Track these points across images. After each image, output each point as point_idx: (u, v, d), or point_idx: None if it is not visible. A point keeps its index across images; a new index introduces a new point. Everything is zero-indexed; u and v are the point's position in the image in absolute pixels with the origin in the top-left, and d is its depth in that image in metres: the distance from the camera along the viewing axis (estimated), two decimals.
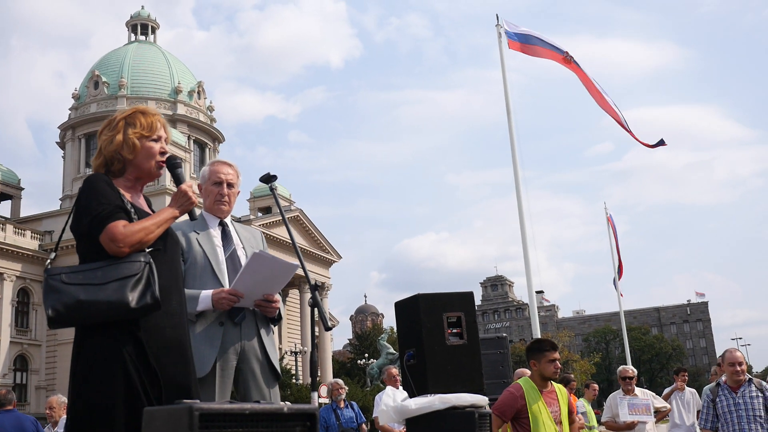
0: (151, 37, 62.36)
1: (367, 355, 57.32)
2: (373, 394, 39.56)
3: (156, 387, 2.79)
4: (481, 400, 4.41)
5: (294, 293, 56.80)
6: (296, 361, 50.40)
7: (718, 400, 6.61)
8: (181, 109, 58.17)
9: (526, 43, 18.22)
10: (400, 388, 8.30)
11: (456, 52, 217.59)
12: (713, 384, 6.90)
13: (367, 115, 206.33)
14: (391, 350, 48.06)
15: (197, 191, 3.37)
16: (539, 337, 17.60)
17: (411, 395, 4.93)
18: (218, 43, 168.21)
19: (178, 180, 3.12)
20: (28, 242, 48.15)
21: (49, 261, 2.92)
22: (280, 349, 53.72)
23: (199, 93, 60.42)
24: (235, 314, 3.93)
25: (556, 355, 5.57)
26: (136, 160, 3.06)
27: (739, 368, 6.60)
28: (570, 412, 5.60)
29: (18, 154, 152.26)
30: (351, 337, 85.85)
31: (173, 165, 3.14)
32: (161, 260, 2.93)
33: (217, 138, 60.69)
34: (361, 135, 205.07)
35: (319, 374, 55.22)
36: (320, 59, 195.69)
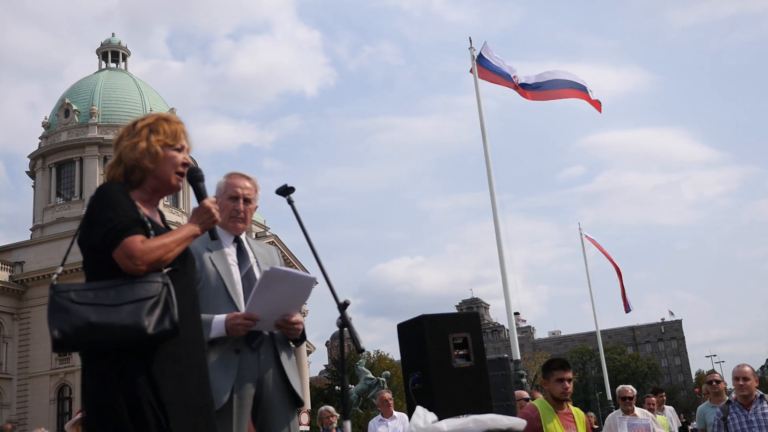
0: (122, 65, 61.87)
1: None
2: (352, 420, 39.06)
3: (171, 420, 2.52)
4: (518, 423, 4.20)
5: None
6: None
7: (729, 418, 6.48)
8: None
9: (495, 73, 18.38)
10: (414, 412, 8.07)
11: (428, 78, 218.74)
12: (724, 402, 6.77)
13: (342, 142, 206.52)
14: (370, 375, 47.54)
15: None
16: (518, 358, 17.52)
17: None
18: (193, 73, 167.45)
19: (200, 195, 2.87)
20: None
21: (55, 276, 2.62)
22: None
23: None
24: (252, 339, 3.64)
25: (566, 374, 5.39)
26: (158, 171, 2.79)
27: (743, 383, 6.49)
28: None
29: None
30: (327, 362, 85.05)
31: (195, 178, 2.89)
32: (179, 282, 2.67)
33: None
34: (335, 162, 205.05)
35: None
36: (295, 88, 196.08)
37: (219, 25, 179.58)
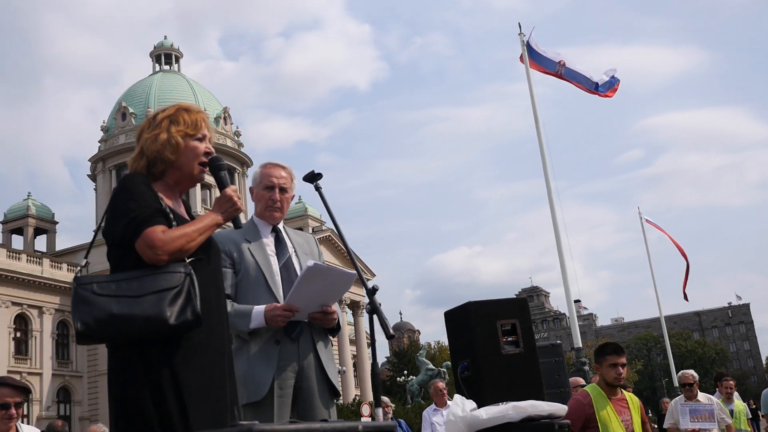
0: (175, 67, 62.88)
1: (406, 372, 56.72)
2: (415, 412, 39.07)
3: (195, 411, 2.50)
4: (559, 409, 4.06)
5: None
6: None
7: None
8: None
9: (541, 64, 18.19)
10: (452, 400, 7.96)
11: (480, 67, 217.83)
12: None
13: (395, 134, 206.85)
14: (431, 366, 47.53)
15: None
16: (580, 345, 17.24)
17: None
18: (246, 72, 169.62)
19: (221, 183, 2.82)
20: (65, 275, 48.38)
21: (79, 268, 2.65)
22: None
23: (225, 119, 60.68)
24: (292, 329, 3.62)
25: (620, 359, 5.22)
26: (179, 161, 2.76)
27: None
28: (643, 422, 5.24)
29: (55, 191, 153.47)
30: (389, 354, 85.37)
31: (217, 167, 2.84)
32: (203, 272, 2.63)
33: (245, 162, 60.83)
34: (389, 154, 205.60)
35: (359, 393, 54.84)
36: (347, 83, 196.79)
37: (270, 23, 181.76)
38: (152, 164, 2.76)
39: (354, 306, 59.14)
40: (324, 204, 3.65)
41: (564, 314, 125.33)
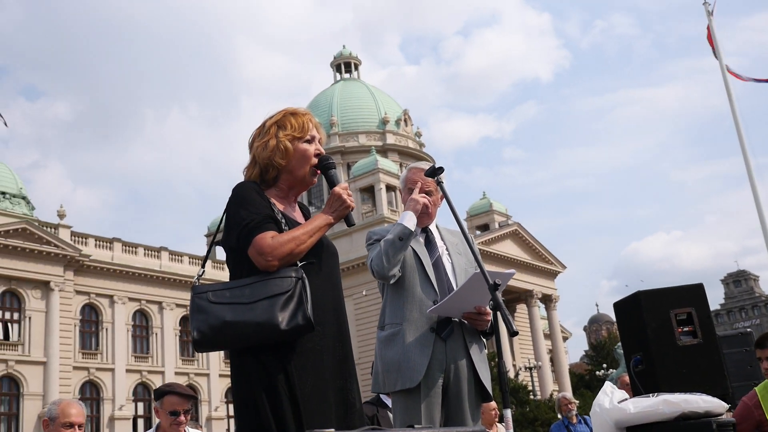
0: (355, 74, 64.70)
1: (605, 365, 54.90)
2: None
3: (310, 415, 2.47)
4: (718, 405, 3.64)
5: (522, 308, 55.96)
6: (531, 376, 49.49)
7: None
8: (390, 139, 59.62)
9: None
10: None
11: (666, 45, 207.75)
12: None
13: (582, 122, 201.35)
14: None
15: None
16: None
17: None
18: (427, 74, 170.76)
19: (331, 182, 2.79)
20: None
21: (197, 277, 2.68)
22: (514, 365, 52.83)
23: (405, 121, 61.62)
24: (442, 329, 3.58)
25: (764, 352, 4.67)
26: (290, 165, 2.76)
27: None
28: None
29: None
30: (587, 348, 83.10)
31: (326, 166, 2.82)
32: (316, 275, 2.60)
33: (427, 162, 61.32)
34: (577, 143, 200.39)
35: (557, 388, 53.73)
36: (529, 75, 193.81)
37: (447, 23, 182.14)
38: (265, 171, 2.77)
39: (546, 299, 58.06)
40: (446, 199, 3.54)
41: None
